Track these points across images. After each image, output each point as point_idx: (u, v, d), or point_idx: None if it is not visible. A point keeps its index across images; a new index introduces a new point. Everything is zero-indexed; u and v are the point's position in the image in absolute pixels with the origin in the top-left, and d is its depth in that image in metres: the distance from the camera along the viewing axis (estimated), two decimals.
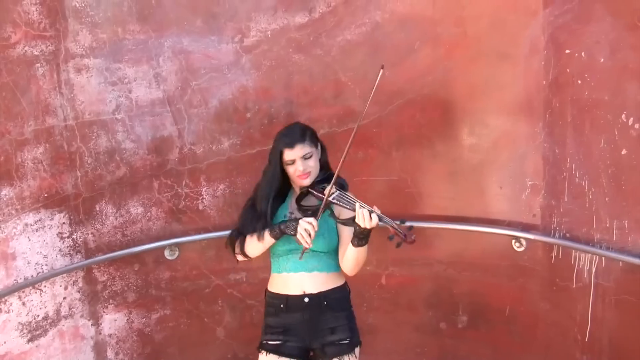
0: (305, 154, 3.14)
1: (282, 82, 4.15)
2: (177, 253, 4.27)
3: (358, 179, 3.99)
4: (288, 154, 3.14)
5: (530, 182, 3.98)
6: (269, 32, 4.09)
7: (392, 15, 4.04)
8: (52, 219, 3.92)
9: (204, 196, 4.26)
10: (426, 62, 4.06)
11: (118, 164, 4.08)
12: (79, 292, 4.09)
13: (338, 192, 3.04)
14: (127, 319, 4.28)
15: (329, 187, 3.02)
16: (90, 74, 3.94)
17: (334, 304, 3.25)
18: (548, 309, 4.05)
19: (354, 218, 2.93)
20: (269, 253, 3.31)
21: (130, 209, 4.16)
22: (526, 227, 4.04)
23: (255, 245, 3.22)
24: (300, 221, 3.04)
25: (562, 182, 3.81)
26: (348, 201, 2.98)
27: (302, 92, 4.15)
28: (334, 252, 3.24)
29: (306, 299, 3.21)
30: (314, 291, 3.21)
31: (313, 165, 3.17)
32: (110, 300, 4.21)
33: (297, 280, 3.22)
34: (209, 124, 4.17)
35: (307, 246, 3.02)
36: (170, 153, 4.16)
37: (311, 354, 3.30)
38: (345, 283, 3.33)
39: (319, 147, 3.26)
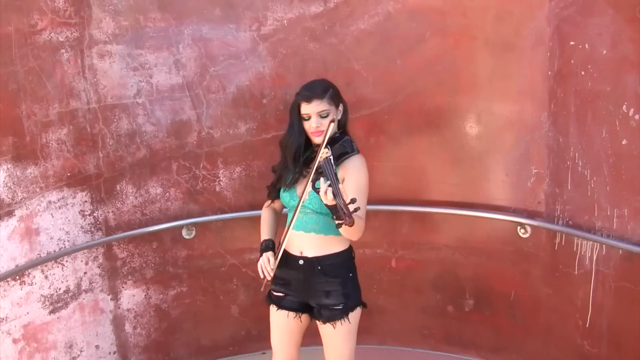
0: (322, 111, 3.14)
1: (297, 69, 4.23)
2: (194, 232, 4.38)
3: (369, 165, 4.00)
4: (304, 108, 3.16)
5: (535, 170, 4.03)
6: (285, 21, 4.19)
7: (404, 6, 4.12)
8: (74, 197, 4.04)
9: (221, 178, 4.37)
10: (435, 52, 4.13)
11: (138, 146, 4.20)
12: (99, 267, 4.23)
13: (327, 157, 2.81)
14: (145, 295, 4.42)
15: (323, 152, 2.83)
16: (112, 59, 4.06)
17: (328, 270, 3.24)
18: (550, 294, 4.11)
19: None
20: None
21: (150, 189, 4.28)
22: (531, 214, 4.09)
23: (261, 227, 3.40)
24: (262, 256, 3.22)
25: (566, 171, 3.86)
26: (330, 172, 2.78)
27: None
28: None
29: (301, 261, 3.25)
30: (310, 255, 3.24)
31: (327, 123, 3.08)
32: (129, 277, 4.35)
33: (296, 239, 3.25)
34: (226, 109, 4.27)
35: (262, 277, 3.20)
36: (189, 136, 4.27)
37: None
38: (349, 248, 3.31)
39: (341, 108, 3.27)
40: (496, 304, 4.39)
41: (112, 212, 4.23)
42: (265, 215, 3.47)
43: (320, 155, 2.84)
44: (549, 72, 3.86)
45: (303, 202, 3.10)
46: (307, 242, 3.25)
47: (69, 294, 4.12)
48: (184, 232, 4.38)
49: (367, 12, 4.17)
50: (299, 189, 3.23)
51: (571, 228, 3.91)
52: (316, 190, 2.89)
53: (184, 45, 4.17)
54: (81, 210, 4.12)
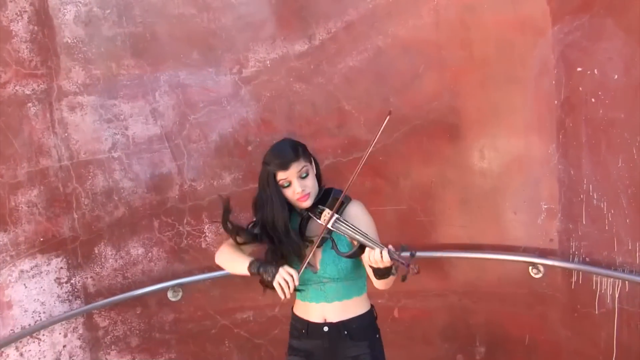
0: (301, 172, 2.87)
1: (284, 113, 4.06)
2: (180, 294, 4.15)
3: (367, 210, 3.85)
4: (282, 175, 2.87)
5: (545, 206, 3.87)
6: (268, 62, 4.00)
7: (395, 40, 3.94)
8: (49, 264, 3.83)
9: (207, 234, 4.15)
10: (432, 87, 3.96)
11: (116, 204, 3.98)
12: (79, 339, 3.99)
13: (336, 218, 2.79)
14: None
15: (326, 214, 2.80)
16: (84, 111, 3.86)
17: (355, 333, 3.01)
18: (570, 336, 3.93)
19: (357, 249, 2.74)
20: None
21: (131, 250, 4.05)
22: (543, 253, 3.92)
23: (228, 260, 3.06)
24: (280, 269, 2.81)
25: (579, 205, 3.70)
26: (347, 230, 2.75)
27: (305, 123, 4.05)
28: (352, 275, 2.99)
29: (325, 328, 3.00)
30: (334, 320, 2.99)
31: (311, 184, 2.89)
32: (113, 346, 4.10)
33: (318, 308, 3.01)
34: (209, 159, 4.08)
35: (282, 298, 2.81)
36: (170, 190, 4.06)
37: None
38: (371, 308, 3.12)
39: (313, 162, 3.01)
40: (511, 351, 4.18)
41: (91, 277, 3.98)
42: (230, 247, 3.11)
43: (326, 221, 2.78)
44: (556, 102, 3.69)
45: (314, 273, 2.92)
46: (331, 309, 3.00)
47: None
48: (170, 294, 4.13)
49: (355, 48, 3.98)
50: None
51: (589, 265, 3.74)
52: (347, 254, 2.79)
53: (161, 93, 3.97)
54: (57, 278, 3.87)
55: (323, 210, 2.85)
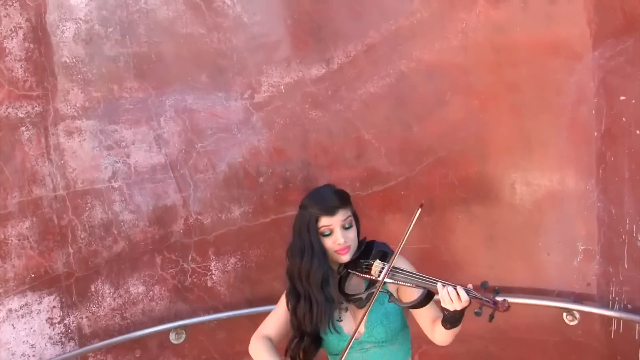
0: (345, 223, 2.60)
1: (298, 141, 3.90)
2: (184, 336, 3.96)
3: None
4: (325, 221, 2.60)
5: (582, 247, 3.64)
6: (282, 87, 3.84)
7: (419, 64, 3.76)
8: (40, 303, 3.66)
9: (213, 271, 3.97)
10: (458, 115, 3.76)
11: (115, 238, 3.81)
12: None
13: (386, 266, 2.55)
14: None
15: (377, 266, 2.55)
16: (82, 137, 3.70)
17: None
18: None
19: (424, 297, 2.47)
20: None
21: (130, 288, 3.87)
22: (579, 298, 3.68)
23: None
24: None
25: (621, 246, 3.47)
26: (409, 277, 2.50)
27: (321, 152, 3.88)
28: (400, 337, 2.70)
29: None
30: None
31: (353, 237, 2.63)
32: None
33: None
34: (217, 191, 3.91)
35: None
36: (174, 224, 3.90)
37: None
38: None
39: (356, 214, 2.74)
40: None
41: (87, 317, 3.79)
42: (265, 343, 2.73)
43: (383, 273, 2.54)
44: (595, 133, 3.48)
45: (356, 337, 2.57)
46: None
47: None
48: (173, 337, 3.93)
49: (376, 73, 3.80)
50: (346, 325, 2.66)
51: (631, 313, 3.50)
52: (410, 304, 2.53)
53: (166, 118, 3.81)
54: (49, 318, 3.70)
55: (369, 263, 2.60)
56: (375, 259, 2.60)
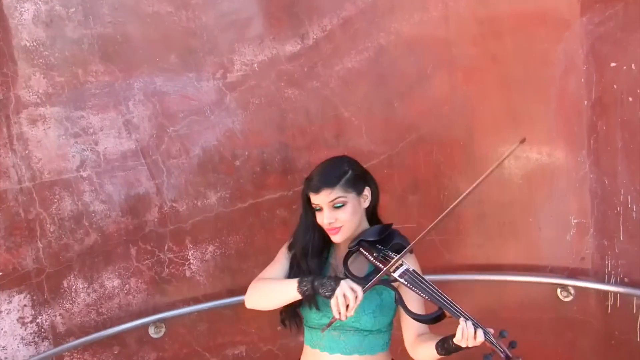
0: (334, 201, 2.49)
1: (275, 122, 3.77)
2: (163, 330, 3.82)
3: None
4: (313, 198, 2.54)
5: (575, 221, 3.54)
6: (255, 65, 3.71)
7: (399, 38, 3.64)
8: (9, 302, 3.50)
9: (191, 261, 3.82)
10: (441, 90, 3.66)
11: (87, 230, 3.65)
12: None
13: (405, 268, 2.44)
14: None
15: (401, 267, 2.43)
16: (47, 125, 3.52)
17: None
18: None
19: (437, 316, 2.36)
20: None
21: (105, 282, 3.71)
22: (573, 273, 3.59)
23: (268, 291, 2.57)
24: (342, 282, 2.35)
25: (616, 219, 3.36)
26: (426, 289, 2.37)
27: (299, 133, 3.75)
28: (385, 327, 2.59)
29: None
30: None
31: (346, 217, 2.51)
32: None
33: None
34: (191, 177, 3.77)
35: (337, 317, 2.35)
36: (148, 213, 3.75)
37: None
38: None
39: (367, 192, 2.62)
40: None
41: (60, 315, 3.62)
42: (264, 280, 2.66)
43: (394, 269, 2.43)
44: (585, 102, 3.36)
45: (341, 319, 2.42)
46: None
47: None
48: (152, 331, 3.79)
49: (354, 47, 3.68)
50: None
51: (628, 286, 3.41)
52: (417, 317, 2.43)
53: (135, 102, 3.64)
54: (20, 317, 3.53)
55: (387, 254, 2.49)
56: (395, 252, 2.48)
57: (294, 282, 2.43)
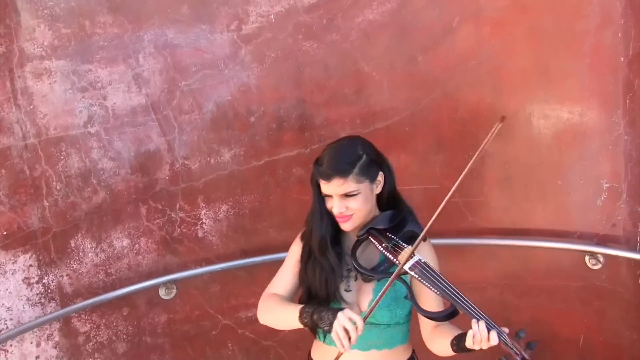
0: (348, 192, 2.37)
1: (291, 77, 3.64)
2: (174, 291, 3.77)
3: None
4: (323, 187, 2.41)
5: (607, 185, 3.42)
6: (272, 16, 3.58)
7: None
8: (15, 262, 3.45)
9: (204, 221, 3.76)
10: (467, 43, 3.50)
11: (95, 188, 3.59)
12: (55, 348, 3.62)
13: (417, 259, 2.31)
14: None
15: (412, 259, 2.31)
16: (53, 79, 3.42)
17: None
18: (635, 339, 3.50)
19: (449, 314, 2.26)
20: None
21: (114, 242, 3.67)
22: (603, 240, 3.47)
23: (273, 311, 2.49)
24: (339, 315, 2.24)
25: None
26: (438, 283, 2.25)
27: (317, 89, 3.61)
28: (403, 320, 2.49)
29: None
30: None
31: (358, 206, 2.40)
32: (96, 354, 3.74)
33: (347, 358, 2.45)
34: (204, 133, 3.68)
35: (342, 350, 2.26)
36: (159, 171, 3.67)
37: None
38: (413, 354, 2.61)
39: (380, 177, 2.48)
40: (561, 353, 3.73)
41: (67, 275, 3.58)
42: (274, 298, 2.56)
43: (405, 261, 2.31)
44: (622, 59, 3.23)
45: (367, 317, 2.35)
46: None
47: None
48: (162, 292, 3.73)
49: None
50: (350, 296, 2.46)
51: None
52: (428, 314, 2.33)
53: (145, 55, 3.53)
54: (26, 278, 3.49)
55: (399, 245, 2.38)
56: (405, 242, 2.37)
57: (296, 312, 2.35)
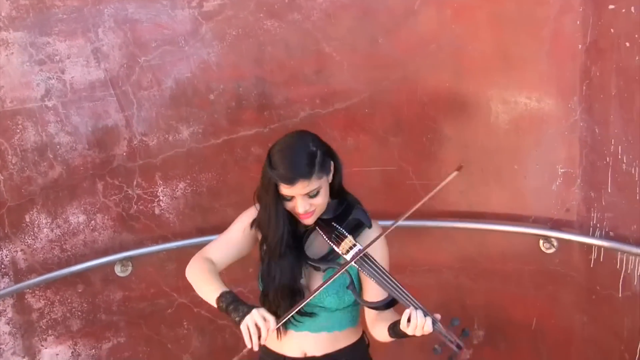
0: (310, 192, 2.36)
1: (252, 55, 3.57)
2: (130, 269, 3.71)
3: (348, 171, 3.33)
4: (285, 190, 2.36)
5: (562, 170, 3.43)
6: None
7: None
8: None
9: (161, 198, 3.69)
10: (429, 27, 3.46)
11: (51, 162, 3.51)
12: (8, 324, 3.58)
13: (357, 249, 2.33)
14: (72, 352, 3.74)
15: (347, 243, 2.34)
16: (10, 50, 3.34)
17: None
18: (586, 322, 3.54)
19: (387, 303, 2.29)
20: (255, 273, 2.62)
21: (70, 217, 3.59)
22: (557, 224, 3.50)
23: (198, 280, 2.51)
24: (253, 311, 2.26)
25: (605, 170, 3.26)
26: (378, 275, 2.28)
27: (277, 68, 3.56)
28: (350, 305, 2.51)
29: None
30: (318, 353, 2.52)
31: (320, 202, 2.40)
32: (50, 331, 3.67)
33: (296, 339, 2.52)
34: (163, 110, 3.59)
35: (249, 346, 2.26)
36: (117, 147, 3.59)
37: None
38: (363, 335, 2.63)
39: (331, 167, 2.45)
40: (514, 336, 3.77)
41: (22, 250, 3.52)
42: (206, 264, 2.56)
43: (351, 256, 2.33)
44: (580, 46, 3.22)
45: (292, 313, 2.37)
46: (314, 341, 2.54)
47: None
48: (118, 269, 3.68)
49: None
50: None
51: (613, 241, 3.32)
52: (370, 304, 2.37)
53: (105, 30, 3.44)
54: None
55: (342, 234, 2.39)
56: (350, 230, 2.39)
57: (216, 292, 2.37)
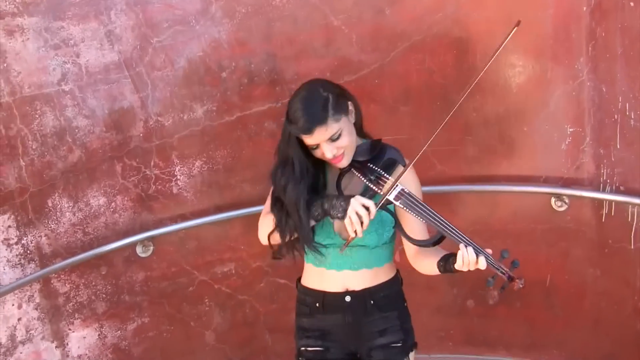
0: (333, 135, 2.37)
1: (262, 32, 3.56)
2: (151, 249, 3.71)
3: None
4: (308, 140, 2.39)
5: (570, 129, 3.46)
6: None
7: None
8: None
9: (178, 177, 3.68)
10: None
11: (70, 146, 3.49)
12: (36, 309, 3.54)
13: (400, 189, 2.34)
14: (99, 334, 3.72)
15: (389, 184, 2.36)
16: (25, 36, 3.31)
17: (383, 303, 2.61)
18: (598, 276, 3.59)
19: (436, 241, 2.32)
20: None
21: (90, 200, 3.57)
22: (568, 182, 3.53)
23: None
24: (352, 200, 2.29)
25: (613, 126, 3.31)
26: (422, 212, 2.29)
27: (287, 43, 3.56)
28: (388, 241, 2.58)
29: (348, 298, 2.57)
30: (358, 288, 2.57)
31: (347, 142, 2.40)
32: (76, 315, 3.65)
33: (338, 277, 2.57)
34: (177, 89, 3.58)
35: (353, 236, 2.31)
36: (133, 128, 3.57)
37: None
38: (397, 273, 2.70)
39: (351, 107, 2.48)
40: (529, 294, 3.69)
41: (46, 235, 3.50)
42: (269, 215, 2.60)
43: (388, 192, 2.35)
44: (585, 8, 3.26)
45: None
46: (354, 278, 2.60)
47: (2, 350, 3.43)
48: (139, 250, 3.68)
49: None
50: (336, 222, 2.52)
51: (623, 195, 3.37)
52: (418, 242, 2.39)
53: (117, 12, 3.43)
54: (5, 239, 3.42)
55: (381, 175, 2.42)
56: (385, 169, 2.42)
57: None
